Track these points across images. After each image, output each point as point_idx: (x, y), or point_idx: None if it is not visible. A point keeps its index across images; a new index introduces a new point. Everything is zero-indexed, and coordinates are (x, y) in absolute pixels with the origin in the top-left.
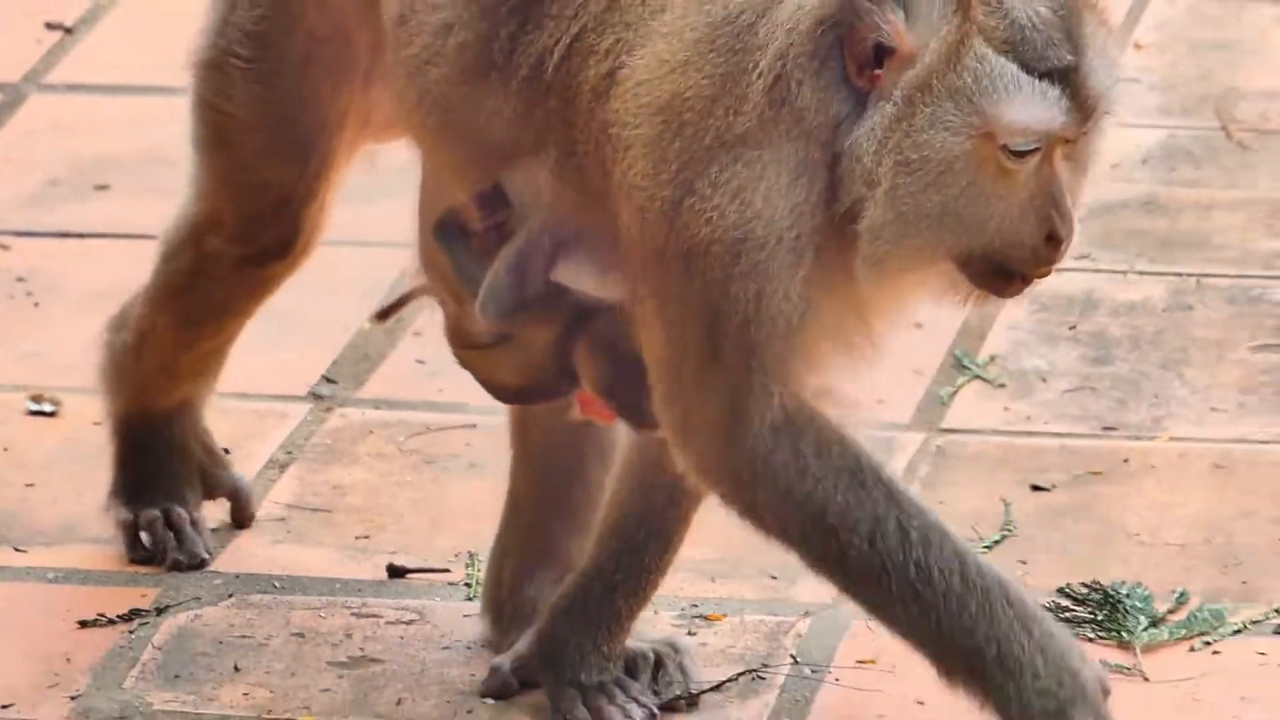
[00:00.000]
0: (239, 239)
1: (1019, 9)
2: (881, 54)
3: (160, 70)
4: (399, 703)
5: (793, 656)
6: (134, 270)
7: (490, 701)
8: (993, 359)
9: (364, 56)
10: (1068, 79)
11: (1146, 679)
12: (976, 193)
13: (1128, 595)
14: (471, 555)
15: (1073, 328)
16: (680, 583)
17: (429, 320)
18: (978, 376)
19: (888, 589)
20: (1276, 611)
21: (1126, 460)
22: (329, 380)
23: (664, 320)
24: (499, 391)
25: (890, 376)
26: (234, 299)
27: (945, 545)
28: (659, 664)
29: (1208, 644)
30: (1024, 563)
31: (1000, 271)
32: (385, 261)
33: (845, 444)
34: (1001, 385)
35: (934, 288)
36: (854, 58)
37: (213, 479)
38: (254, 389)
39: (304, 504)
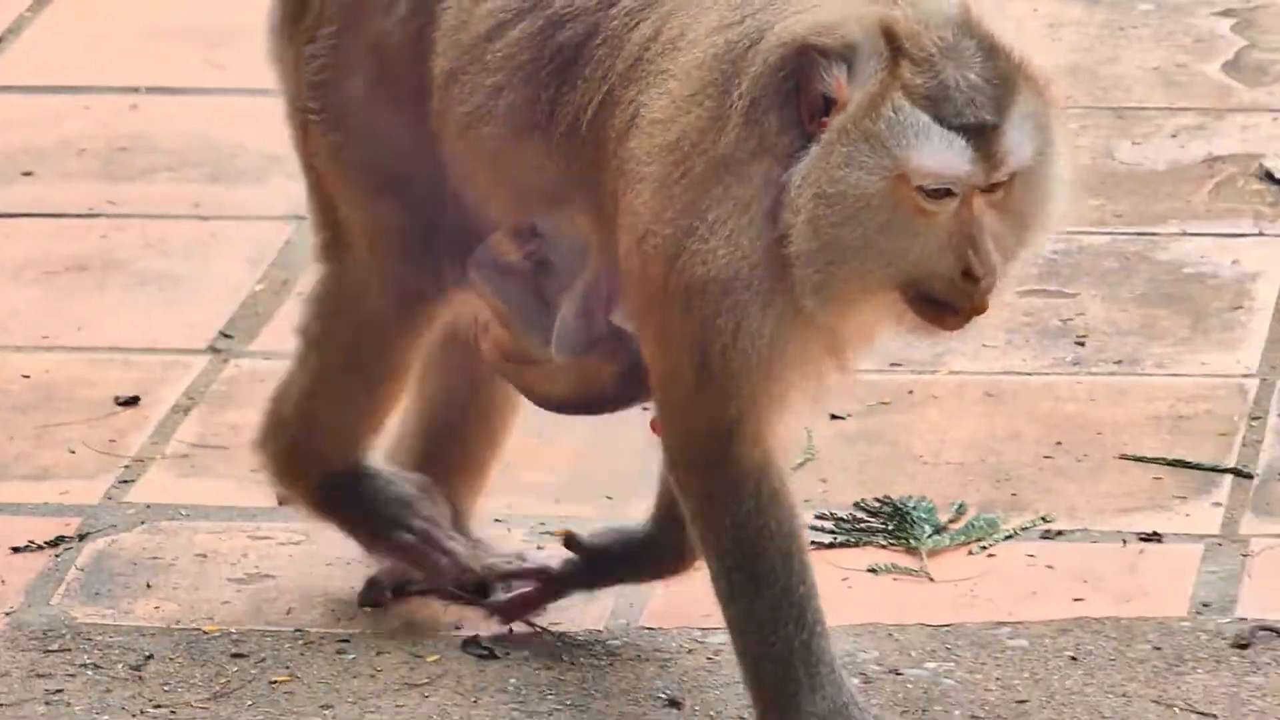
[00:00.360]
0: (390, 288)
1: (949, 72)
2: (829, 105)
3: (76, 73)
4: (289, 612)
5: None
6: (55, 244)
7: (368, 610)
8: None
9: (425, 88)
10: (982, 134)
11: (932, 579)
12: (896, 229)
13: (914, 507)
14: None
15: None
16: (529, 504)
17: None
18: None
19: (759, 627)
20: (1043, 519)
21: (911, 391)
22: (225, 335)
23: (662, 347)
24: (541, 400)
25: None
26: (408, 349)
27: (819, 631)
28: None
29: (984, 548)
30: (824, 481)
31: (934, 302)
32: (273, 232)
33: (789, 506)
34: None
35: (883, 317)
36: (806, 105)
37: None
38: (160, 344)
39: (206, 443)
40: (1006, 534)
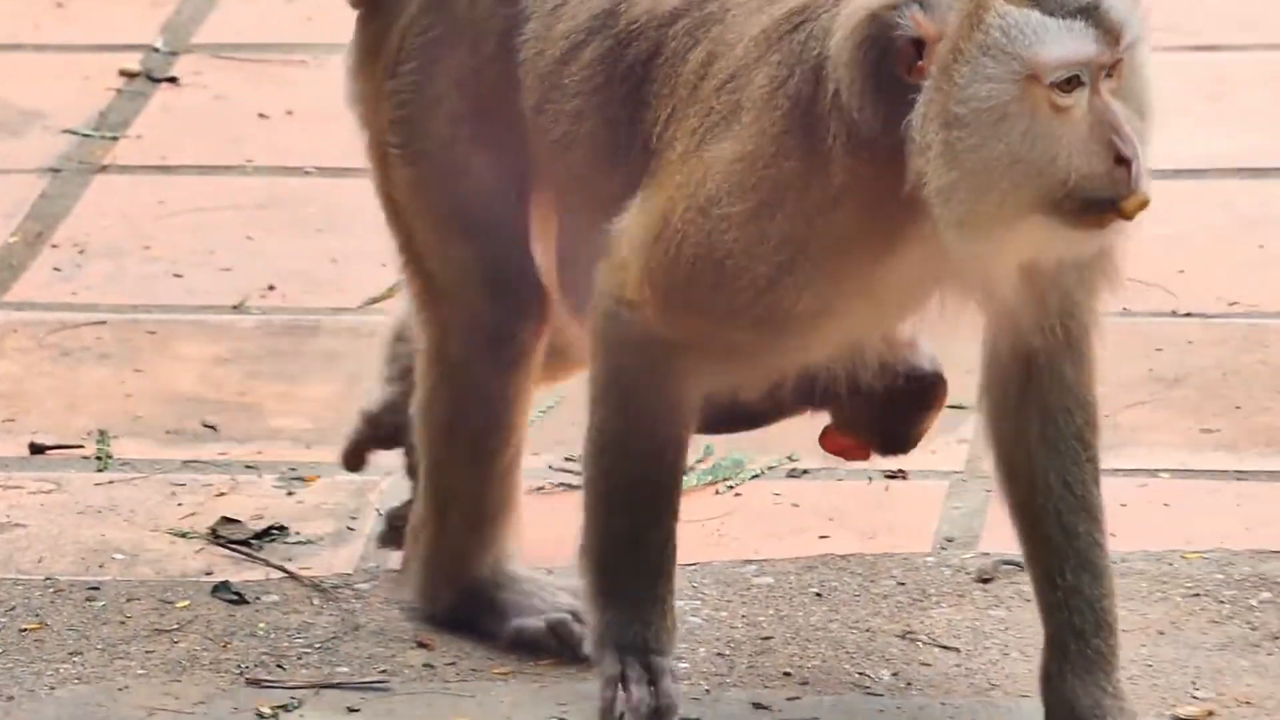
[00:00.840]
0: (480, 331)
1: None
2: (921, 47)
3: None
4: (39, 560)
5: (377, 510)
6: None
7: (119, 556)
8: None
9: (515, 124)
10: (1090, 15)
11: (679, 519)
12: (1039, 133)
13: None
14: (102, 433)
15: None
16: (279, 450)
17: (65, 234)
18: None
19: (606, 519)
20: (789, 458)
21: None
22: None
23: (667, 304)
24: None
25: None
26: (514, 398)
27: (668, 530)
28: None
29: (731, 488)
30: (575, 424)
31: (1090, 206)
32: (28, 186)
33: (677, 423)
34: None
35: (1030, 246)
36: (901, 62)
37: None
38: None
39: None
40: (753, 473)
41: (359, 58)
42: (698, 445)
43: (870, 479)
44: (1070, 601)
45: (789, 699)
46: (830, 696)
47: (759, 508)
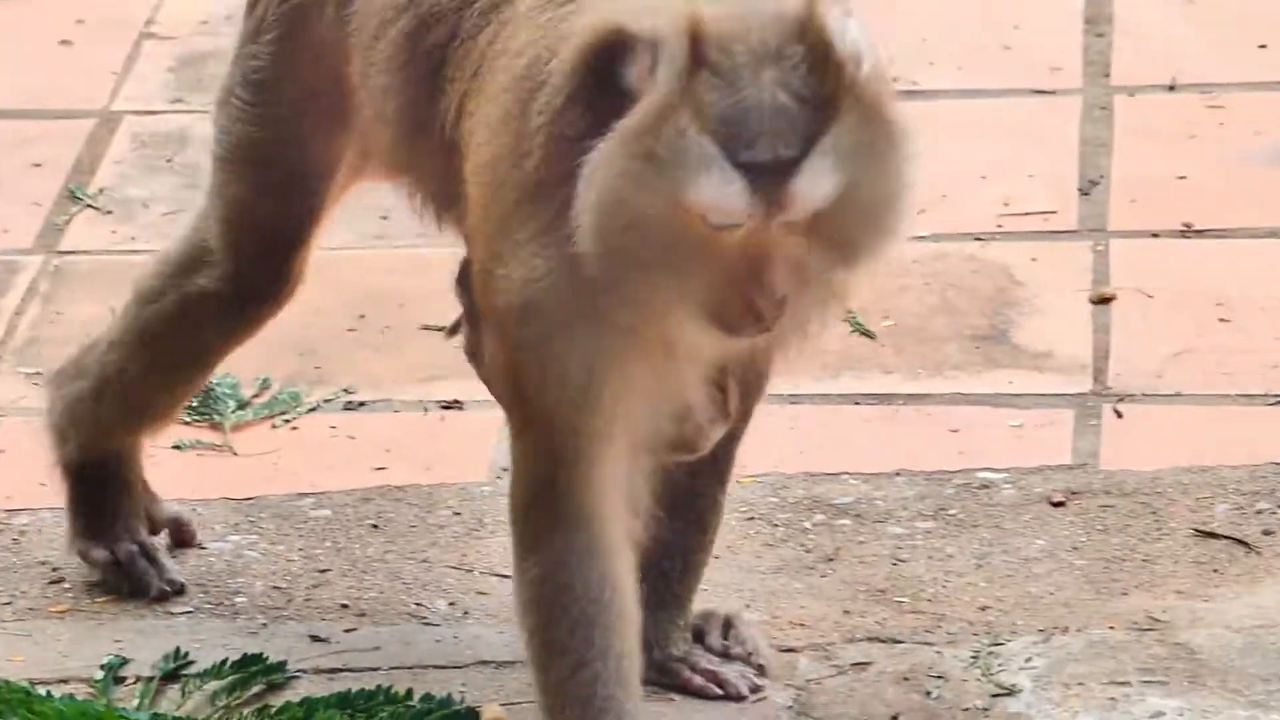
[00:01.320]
0: (228, 277)
1: (751, 92)
2: (631, 99)
3: None
4: None
5: None
6: None
7: None
8: (101, 190)
9: (358, 108)
10: (772, 173)
11: (236, 454)
12: (680, 251)
13: (218, 384)
14: None
15: (169, 160)
16: None
17: None
18: (89, 205)
19: (546, 703)
20: (345, 390)
21: None
22: None
23: (496, 379)
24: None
25: (14, 209)
26: (216, 343)
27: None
28: None
29: (287, 421)
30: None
31: (725, 324)
32: None
33: (607, 570)
34: (109, 212)
35: (681, 331)
36: (632, 79)
37: (154, 514)
38: None
39: None
40: (310, 406)
41: (244, 22)
42: (253, 381)
43: (426, 410)
44: (669, 548)
45: (346, 630)
46: (388, 627)
47: (316, 440)
